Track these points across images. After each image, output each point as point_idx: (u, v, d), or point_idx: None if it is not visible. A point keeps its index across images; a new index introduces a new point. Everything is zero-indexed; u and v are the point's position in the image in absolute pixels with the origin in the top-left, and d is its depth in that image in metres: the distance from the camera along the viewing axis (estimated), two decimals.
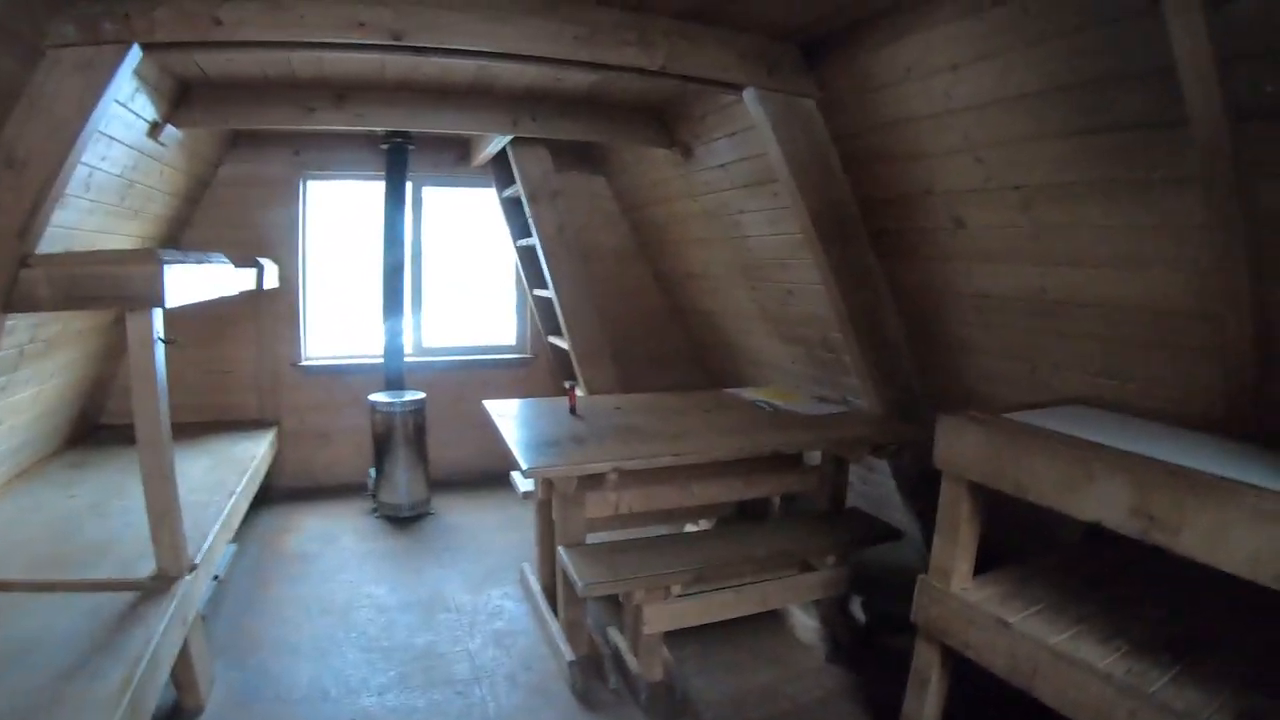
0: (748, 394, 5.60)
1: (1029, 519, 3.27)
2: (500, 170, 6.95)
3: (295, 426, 7.16)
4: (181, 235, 6.53)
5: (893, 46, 3.71)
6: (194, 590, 3.72)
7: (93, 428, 6.36)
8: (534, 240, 6.31)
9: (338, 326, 7.43)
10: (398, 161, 6.64)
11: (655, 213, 7.08)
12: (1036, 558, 3.50)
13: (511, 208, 7.10)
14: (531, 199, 6.16)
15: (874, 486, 5.67)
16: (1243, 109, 2.54)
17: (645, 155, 6.49)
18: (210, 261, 4.18)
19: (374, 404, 6.47)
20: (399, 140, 6.53)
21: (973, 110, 3.56)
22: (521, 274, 7.39)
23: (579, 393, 5.82)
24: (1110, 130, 3.09)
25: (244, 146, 6.71)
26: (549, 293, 6.47)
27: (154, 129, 4.70)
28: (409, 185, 6.93)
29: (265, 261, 6.13)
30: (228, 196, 6.73)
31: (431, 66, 4.75)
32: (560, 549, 4.02)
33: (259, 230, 6.81)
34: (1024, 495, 2.81)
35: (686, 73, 3.94)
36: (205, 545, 4.02)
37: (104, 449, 5.76)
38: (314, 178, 7.14)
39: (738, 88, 4.15)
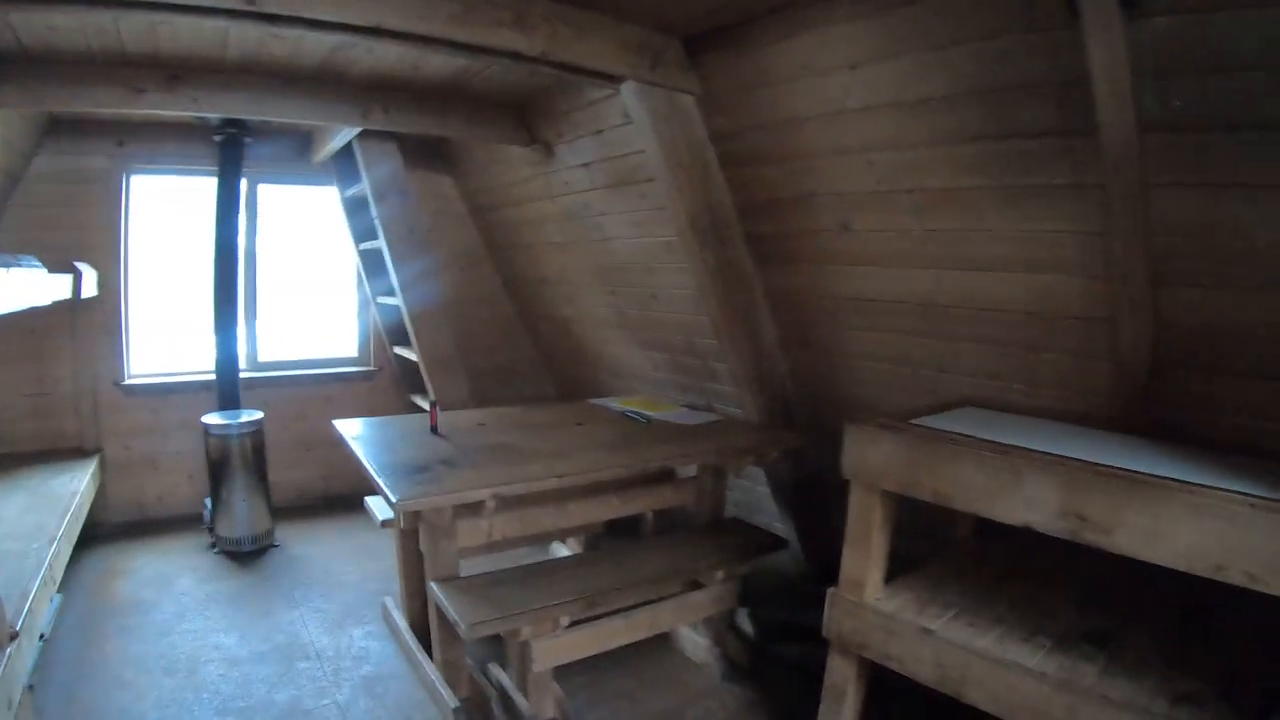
0: (615, 404, 5.44)
1: (918, 519, 3.28)
2: (344, 167, 6.64)
3: (120, 454, 6.57)
4: None
5: (786, 43, 3.62)
6: (18, 663, 3.26)
7: None
8: (379, 243, 6.06)
9: (165, 340, 6.92)
10: (232, 155, 6.20)
11: (508, 215, 6.86)
12: (935, 559, 3.51)
13: (355, 208, 6.82)
14: (379, 198, 5.90)
15: (742, 493, 5.64)
16: (1148, 121, 2.65)
17: (499, 154, 6.27)
18: (16, 265, 3.73)
19: (207, 427, 5.98)
20: (234, 131, 6.10)
21: (868, 111, 3.52)
22: (364, 279, 7.09)
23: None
24: (1014, 137, 3.12)
25: (61, 135, 6.14)
26: (395, 300, 6.24)
27: None
28: (244, 182, 6.51)
29: (83, 267, 5.61)
30: (42, 193, 6.14)
31: (280, 45, 4.44)
32: (432, 585, 3.72)
33: (77, 232, 6.27)
34: (945, 502, 2.79)
35: (566, 60, 3.72)
36: (26, 606, 3.51)
37: None
38: (139, 172, 6.60)
39: (616, 80, 3.97)
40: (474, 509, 3.64)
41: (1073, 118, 2.85)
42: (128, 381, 6.62)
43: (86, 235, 6.27)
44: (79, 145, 6.19)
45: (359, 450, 4.02)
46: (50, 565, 4.05)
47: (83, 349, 6.34)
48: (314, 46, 4.44)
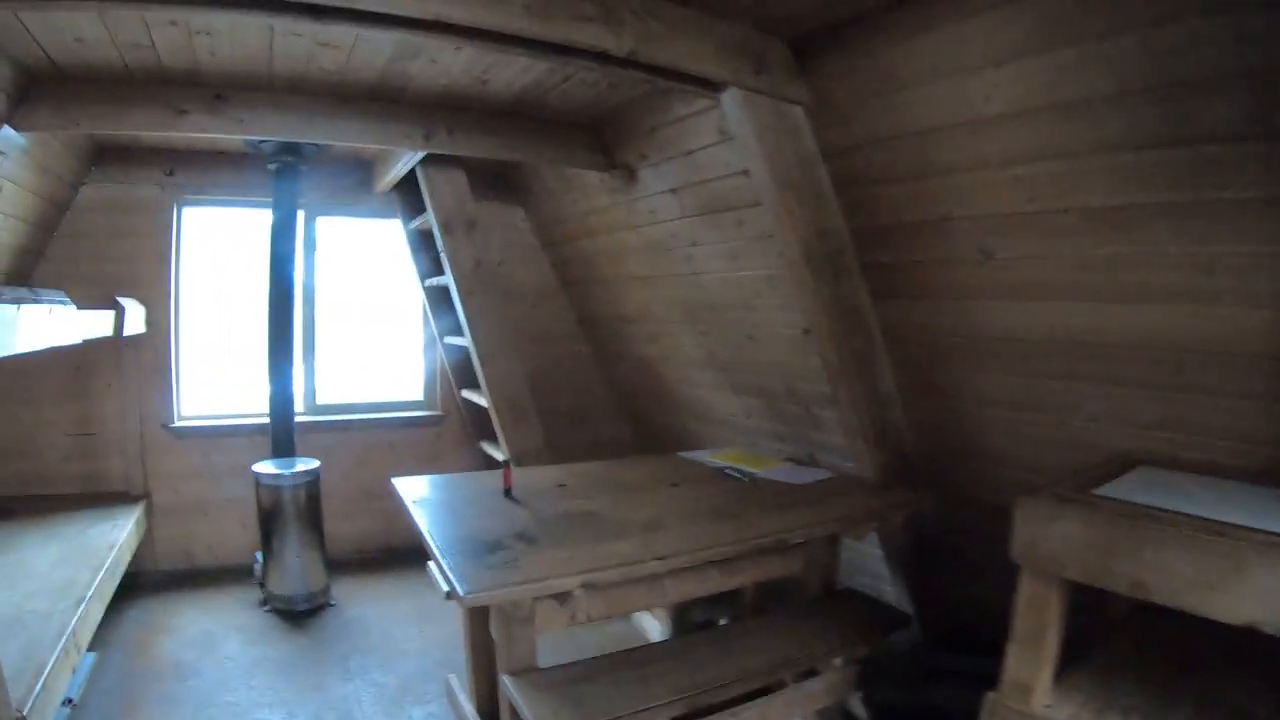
0: (710, 459, 4.87)
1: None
2: (408, 197, 6.26)
3: (169, 500, 6.25)
4: (33, 269, 5.71)
5: (911, 41, 3.10)
6: None
7: None
8: (446, 278, 5.64)
9: (218, 380, 6.59)
10: (287, 185, 5.82)
11: (585, 247, 6.41)
12: (1099, 646, 2.87)
13: (420, 241, 6.47)
14: (445, 229, 5.47)
15: (844, 550, 5.08)
16: None
17: (575, 181, 5.84)
18: (36, 302, 3.37)
19: (259, 476, 5.57)
20: (289, 159, 5.72)
21: (1014, 117, 2.96)
22: (430, 318, 6.69)
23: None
24: (1193, 142, 2.54)
25: (109, 164, 5.90)
26: (463, 340, 5.81)
27: None
28: (301, 214, 6.18)
29: (128, 302, 5.31)
30: (89, 224, 5.91)
31: (330, 57, 4.05)
32: (505, 679, 3.08)
33: (125, 264, 6.01)
34: (1144, 595, 2.21)
35: (659, 62, 3.22)
36: (40, 682, 3.09)
37: None
38: (191, 203, 6.33)
39: (716, 88, 3.49)
40: (557, 596, 3.10)
41: (1269, 117, 2.31)
42: (177, 424, 6.36)
43: (135, 268, 6.02)
44: (128, 174, 6.00)
45: (422, 520, 3.49)
46: (75, 631, 3.67)
47: (130, 388, 6.10)
48: (368, 57, 4.05)
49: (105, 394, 6.09)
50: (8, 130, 4.11)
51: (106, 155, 5.88)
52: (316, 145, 5.63)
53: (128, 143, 5.78)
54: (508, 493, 3.91)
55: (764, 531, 3.50)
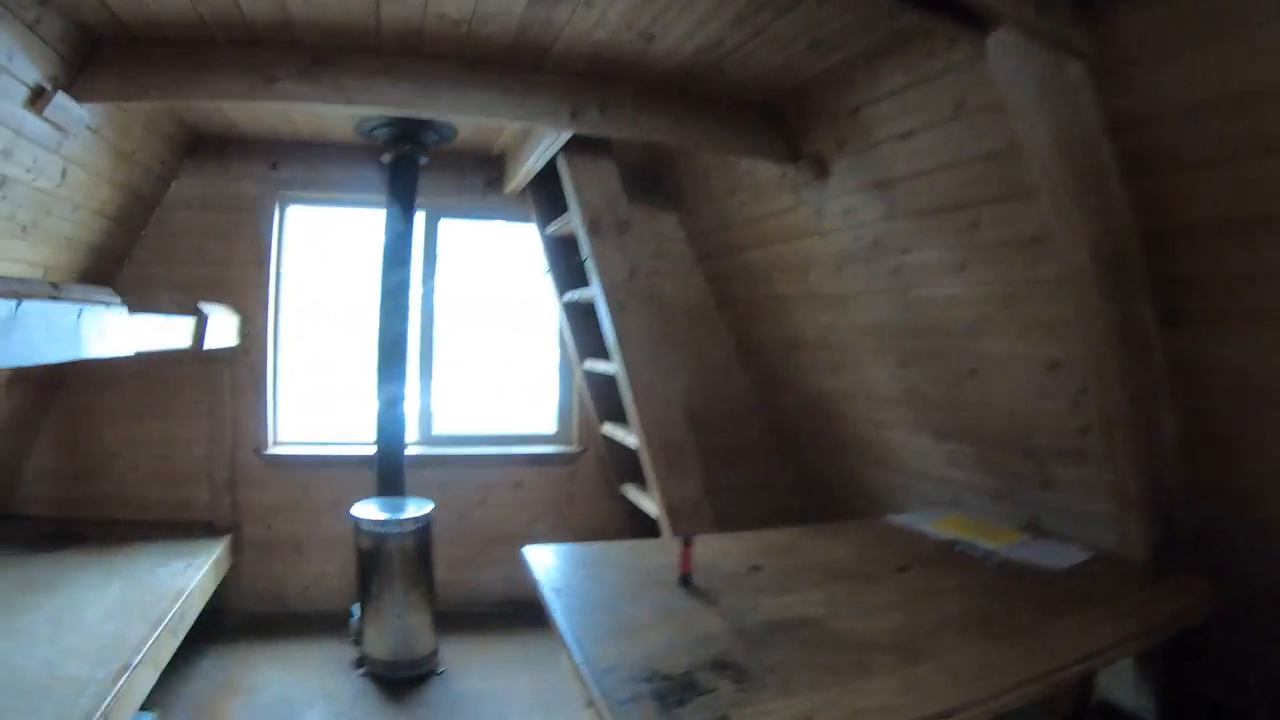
0: (929, 527, 3.73)
1: None
2: (544, 197, 5.53)
3: (260, 534, 5.65)
4: (115, 271, 5.25)
5: None
6: None
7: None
8: (591, 290, 4.81)
9: (320, 402, 5.92)
10: (404, 181, 5.11)
11: (753, 259, 5.53)
12: None
13: (559, 249, 5.69)
14: (592, 230, 4.63)
15: None
16: None
17: (744, 178, 5.01)
18: (58, 299, 2.67)
19: (359, 521, 4.79)
20: (406, 150, 5.02)
21: None
22: (568, 339, 5.87)
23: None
24: None
25: (205, 156, 5.45)
26: (609, 365, 5.00)
27: (37, 97, 3.33)
28: (420, 216, 5.67)
29: (218, 311, 4.69)
30: (179, 222, 5.44)
31: (453, 4, 3.32)
32: None
33: (220, 268, 5.48)
34: None
35: None
36: None
37: None
38: (295, 201, 5.74)
39: (984, 24, 2.61)
40: None
41: None
42: (273, 450, 5.76)
43: (230, 273, 5.51)
44: (226, 167, 5.53)
45: (566, 624, 2.46)
46: (110, 712, 2.99)
47: (220, 408, 5.53)
48: (501, 5, 3.30)
49: (193, 413, 5.54)
50: (70, 104, 3.51)
51: (203, 146, 5.43)
52: (438, 133, 5.02)
53: (225, 131, 5.30)
54: (685, 580, 2.86)
55: (1066, 657, 2.38)
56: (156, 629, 3.66)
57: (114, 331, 3.12)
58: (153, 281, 5.29)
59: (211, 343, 4.52)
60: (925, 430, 4.67)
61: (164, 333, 3.82)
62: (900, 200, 3.89)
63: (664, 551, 3.17)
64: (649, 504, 5.07)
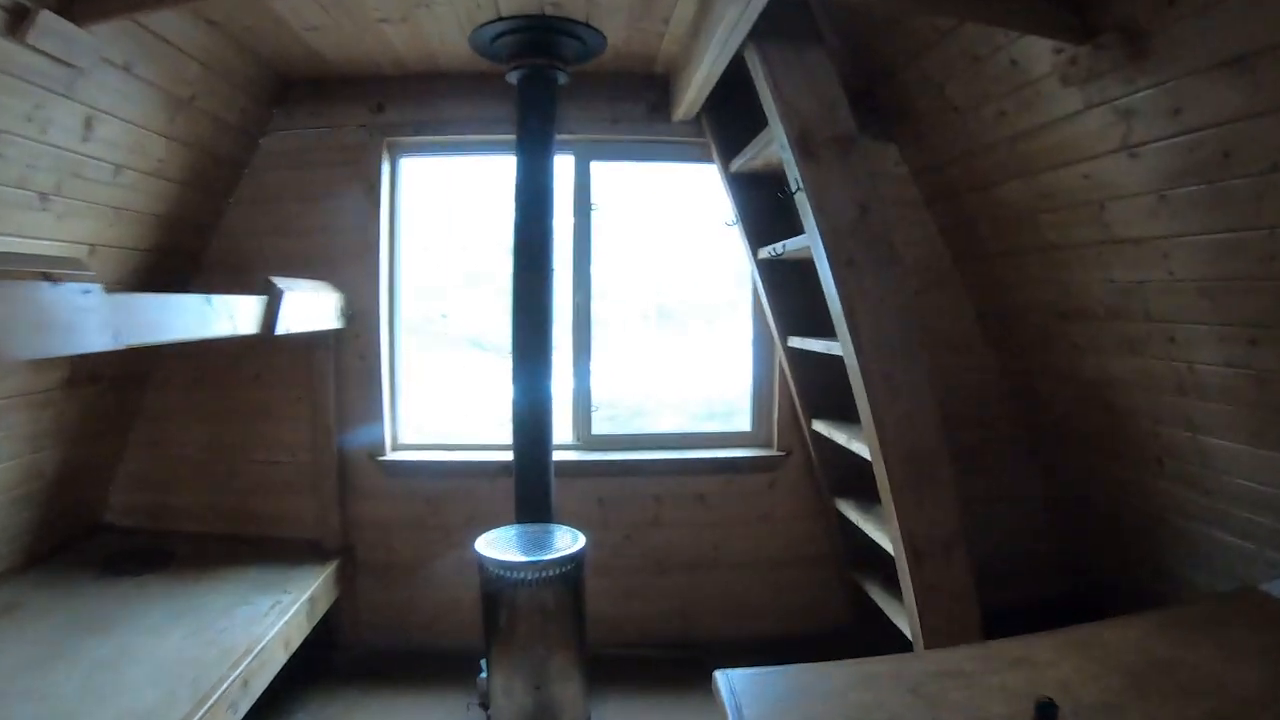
0: None
1: None
2: (726, 120, 4.20)
3: (378, 557, 4.58)
4: (202, 246, 4.44)
5: None
6: None
7: (89, 529, 4.44)
8: (802, 241, 3.38)
9: (451, 395, 4.72)
10: (538, 104, 3.84)
11: (1009, 195, 3.90)
12: None
13: (750, 189, 4.26)
14: (803, 151, 3.12)
15: None
16: None
17: (999, 82, 3.43)
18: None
19: (484, 561, 3.46)
20: (539, 64, 3.74)
21: None
22: (766, 308, 4.39)
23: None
24: None
25: (297, 104, 4.42)
26: (826, 343, 3.62)
27: (16, 20, 2.51)
28: (568, 160, 4.54)
29: (301, 286, 3.71)
30: (274, 184, 4.45)
31: None
32: None
33: (321, 237, 4.45)
34: None
35: None
36: None
37: (70, 577, 3.84)
38: (409, 151, 4.60)
39: None
40: None
41: None
42: (392, 455, 4.63)
43: (333, 241, 4.48)
44: (319, 114, 4.46)
45: None
46: None
47: (322, 404, 4.43)
48: None
49: (294, 411, 4.52)
50: (67, 28, 2.69)
51: (295, 92, 4.41)
52: (581, 42, 3.76)
53: (315, 69, 4.23)
54: None
55: None
56: (203, 704, 2.78)
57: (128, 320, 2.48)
58: (246, 257, 4.37)
59: (291, 325, 3.57)
60: (1273, 439, 3.09)
61: (212, 319, 3.03)
62: (1273, 83, 2.33)
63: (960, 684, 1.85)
64: (876, 530, 3.66)
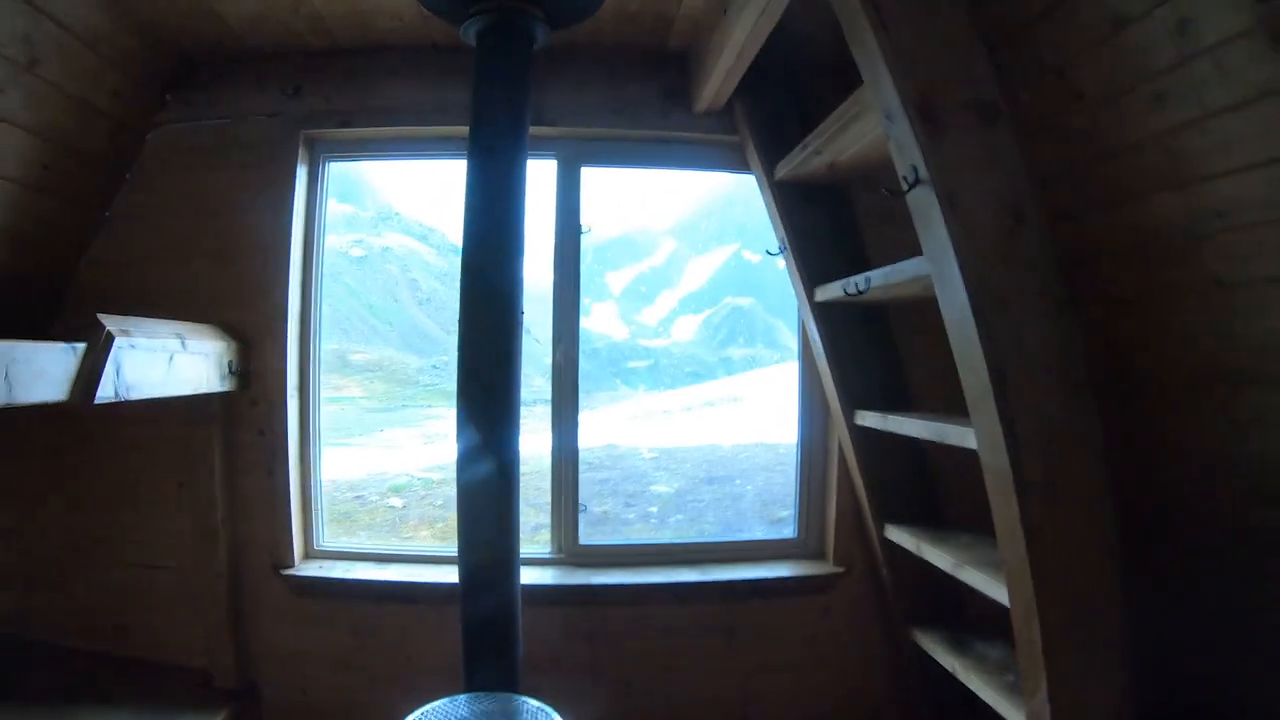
0: None
1: None
2: (771, 110, 3.18)
3: (292, 699, 3.31)
4: (69, 271, 3.29)
5: None
6: None
7: None
8: (909, 270, 2.35)
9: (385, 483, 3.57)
10: (503, 74, 2.72)
11: (1153, 212, 2.60)
12: None
13: (801, 205, 3.15)
14: (925, 121, 2.01)
15: None
16: None
17: (1149, 56, 2.29)
18: None
19: None
20: (509, 8, 2.62)
21: None
22: (825, 371, 3.21)
23: None
24: None
25: (195, 88, 3.29)
26: (936, 426, 2.50)
27: None
28: (548, 161, 3.39)
29: (159, 332, 2.68)
30: (160, 194, 3.28)
31: None
32: None
33: (213, 265, 3.28)
34: None
35: None
36: None
37: None
38: (335, 151, 3.44)
39: None
40: None
41: None
42: (303, 569, 3.35)
43: (225, 272, 3.31)
44: (221, 100, 3.33)
45: None
46: None
47: (205, 495, 3.25)
48: None
49: (172, 502, 3.29)
50: None
51: (192, 72, 3.29)
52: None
53: (219, 43, 3.16)
54: None
55: None
56: None
57: None
58: (123, 289, 3.23)
59: (132, 389, 2.50)
60: None
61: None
62: None
63: None
64: (983, 683, 2.58)
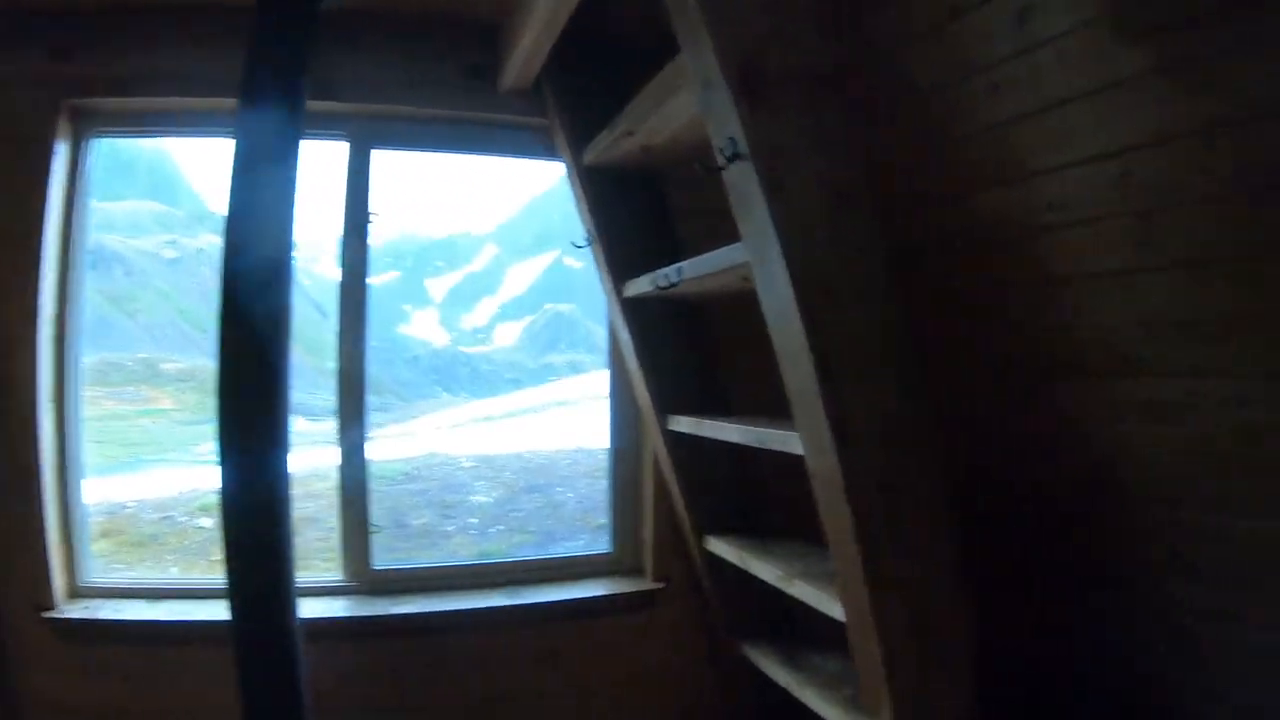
0: None
1: None
2: (580, 95, 2.98)
3: None
4: None
5: None
6: None
7: None
8: (724, 259, 2.20)
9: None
10: (277, 37, 2.41)
11: (987, 207, 2.64)
12: None
13: (610, 192, 2.98)
14: (746, 91, 1.83)
15: None
16: None
17: (988, 44, 2.27)
18: None
19: None
20: None
21: None
22: (637, 372, 3.04)
23: None
24: None
25: None
26: (757, 431, 2.39)
27: None
28: (339, 143, 3.06)
29: None
30: None
31: None
32: None
33: None
34: None
35: None
36: None
37: None
38: (105, 126, 3.03)
39: None
40: None
41: None
42: (66, 609, 2.94)
43: None
44: None
45: None
46: None
47: None
48: None
49: None
50: None
51: None
52: None
53: None
54: None
55: None
56: None
57: None
58: None
59: None
60: None
61: None
62: None
63: None
64: (823, 700, 2.46)
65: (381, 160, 3.15)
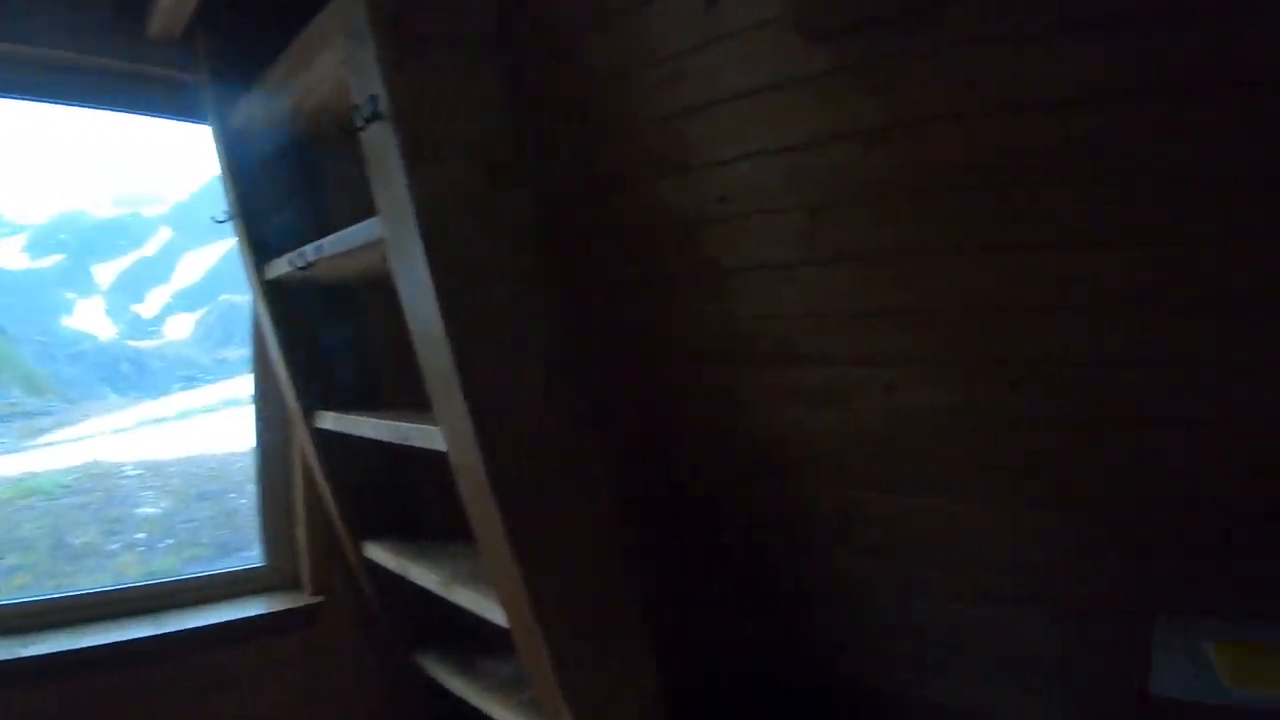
0: None
1: None
2: (238, 48, 2.53)
3: None
4: None
5: None
6: None
7: None
8: (361, 234, 1.99)
9: None
10: None
11: (656, 197, 2.73)
12: None
13: (258, 159, 2.65)
14: (388, 41, 1.64)
15: None
16: None
17: (667, 36, 2.35)
18: None
19: None
20: None
21: None
22: (280, 365, 2.72)
23: None
24: None
25: None
26: (398, 425, 2.23)
27: None
28: None
29: None
30: None
31: None
32: None
33: None
34: None
35: None
36: None
37: None
38: None
39: None
40: None
41: None
42: None
43: None
44: None
45: None
46: None
47: None
48: None
49: None
50: None
51: None
52: None
53: None
54: None
55: None
56: None
57: None
58: None
59: None
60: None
61: None
62: None
63: None
64: (498, 706, 2.39)
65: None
